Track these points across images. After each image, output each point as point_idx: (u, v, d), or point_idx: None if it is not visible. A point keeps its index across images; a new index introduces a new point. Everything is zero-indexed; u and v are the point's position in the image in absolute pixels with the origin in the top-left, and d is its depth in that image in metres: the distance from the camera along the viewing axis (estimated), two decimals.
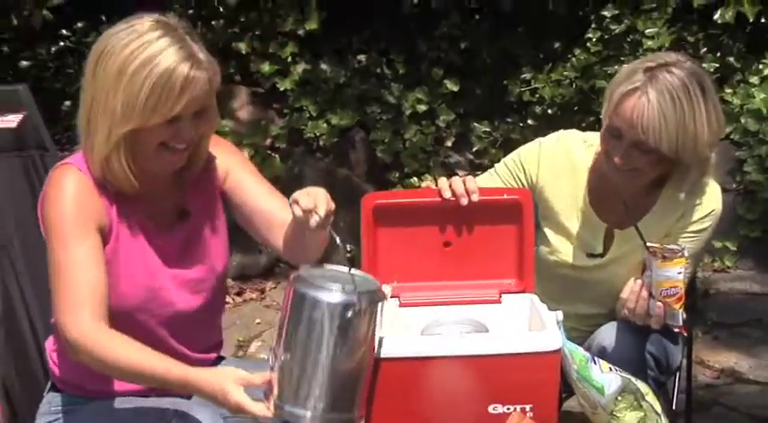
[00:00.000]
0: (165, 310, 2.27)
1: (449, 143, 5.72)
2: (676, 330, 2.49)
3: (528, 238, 2.39)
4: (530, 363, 2.08)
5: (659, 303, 2.36)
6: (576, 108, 5.66)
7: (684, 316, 2.41)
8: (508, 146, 5.56)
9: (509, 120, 5.75)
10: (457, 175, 5.51)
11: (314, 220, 1.99)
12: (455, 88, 5.76)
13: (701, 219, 2.62)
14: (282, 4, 5.69)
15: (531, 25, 5.93)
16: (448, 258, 2.37)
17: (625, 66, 2.65)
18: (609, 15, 5.67)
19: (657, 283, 2.35)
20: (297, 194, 2.04)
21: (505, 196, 2.40)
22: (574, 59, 5.70)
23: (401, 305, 2.40)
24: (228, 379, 1.94)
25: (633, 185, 2.55)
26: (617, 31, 5.66)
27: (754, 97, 5.26)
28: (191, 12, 5.80)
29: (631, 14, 5.67)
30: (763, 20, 5.47)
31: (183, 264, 2.30)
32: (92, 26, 5.64)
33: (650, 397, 2.23)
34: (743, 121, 5.25)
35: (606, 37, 5.68)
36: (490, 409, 2.09)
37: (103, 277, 2.08)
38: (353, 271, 2.03)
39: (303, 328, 1.93)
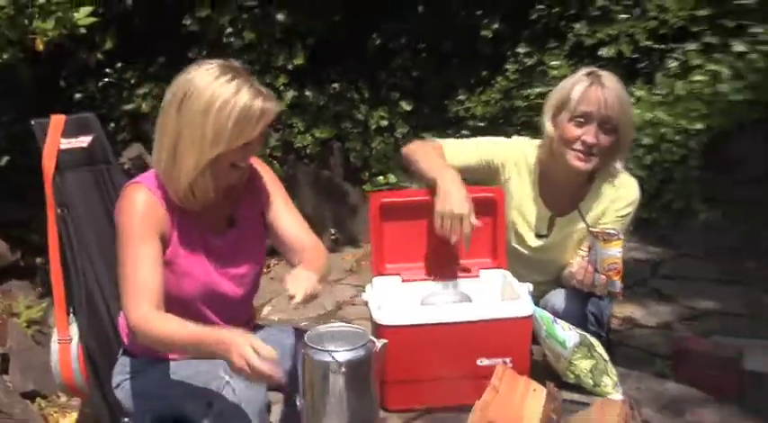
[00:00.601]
0: (217, 298, 2.31)
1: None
2: (616, 295, 2.58)
3: (500, 225, 2.56)
4: (508, 326, 2.26)
5: (603, 276, 2.46)
6: (500, 121, 6.05)
7: (621, 284, 2.49)
8: None
9: (449, 131, 6.01)
10: (410, 175, 5.99)
11: (292, 303, 2.04)
12: (408, 108, 6.25)
13: (626, 206, 2.75)
14: (275, 45, 5.96)
15: (465, 59, 6.33)
16: (439, 244, 2.51)
17: (562, 82, 2.77)
18: (522, 52, 6.12)
19: (602, 260, 2.44)
20: (288, 276, 2.11)
21: (483, 194, 2.54)
22: (497, 85, 6.14)
23: (403, 281, 2.57)
24: (243, 338, 1.95)
25: (587, 168, 2.65)
26: (529, 63, 6.09)
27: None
28: (204, 53, 5.98)
29: (539, 51, 6.08)
30: (635, 55, 5.89)
31: (231, 262, 2.33)
32: (129, 66, 5.91)
33: (600, 349, 2.42)
34: None
35: (521, 68, 6.12)
36: (478, 362, 2.27)
37: (160, 273, 2.13)
38: (348, 327, 2.13)
39: (313, 383, 2.03)
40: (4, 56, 3.64)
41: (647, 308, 4.51)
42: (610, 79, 2.67)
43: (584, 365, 2.43)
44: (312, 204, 5.72)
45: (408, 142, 2.86)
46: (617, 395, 2.42)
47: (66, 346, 2.54)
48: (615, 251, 2.46)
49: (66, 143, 2.59)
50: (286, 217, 2.43)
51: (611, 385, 2.45)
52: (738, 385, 3.31)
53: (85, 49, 5.63)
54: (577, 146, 2.65)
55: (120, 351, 2.44)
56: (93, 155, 2.66)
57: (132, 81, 6.01)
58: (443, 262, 2.63)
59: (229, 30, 5.96)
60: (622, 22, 6.02)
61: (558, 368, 2.46)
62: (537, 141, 2.86)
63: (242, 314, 2.45)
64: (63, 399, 3.57)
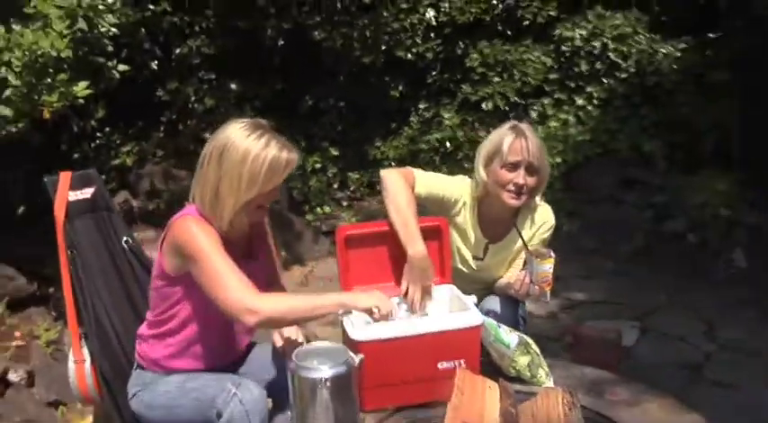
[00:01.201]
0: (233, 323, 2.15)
1: (335, 186, 6.03)
2: (545, 302, 2.52)
3: (446, 248, 2.40)
4: (463, 334, 2.10)
5: (537, 287, 2.30)
6: (406, 161, 5.88)
7: (549, 294, 2.34)
8: (371, 187, 6.04)
9: (369, 170, 6.01)
10: (342, 205, 6.15)
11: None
12: (336, 153, 6.07)
13: (547, 230, 2.62)
14: (230, 108, 5.71)
15: (378, 114, 6.22)
16: (397, 266, 2.35)
17: (492, 133, 2.58)
18: (422, 106, 6.13)
19: (536, 274, 2.27)
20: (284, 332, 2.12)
21: (431, 223, 2.39)
22: (404, 133, 6.09)
23: None
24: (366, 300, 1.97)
25: (519, 204, 2.49)
26: (427, 115, 6.08)
27: None
28: (174, 117, 5.83)
29: (435, 106, 6.10)
30: (507, 108, 5.96)
31: (256, 275, 2.06)
32: (115, 130, 5.65)
33: (534, 346, 2.24)
34: None
35: (421, 120, 6.09)
36: (438, 365, 2.09)
37: (241, 273, 1.93)
38: (330, 344, 1.92)
39: (302, 396, 1.84)
40: (19, 125, 3.46)
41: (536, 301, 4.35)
42: (528, 130, 2.51)
43: (522, 361, 2.25)
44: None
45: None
46: (550, 383, 2.25)
47: (80, 365, 2.32)
48: (547, 267, 2.28)
49: (74, 195, 2.40)
50: (271, 255, 2.34)
51: (544, 376, 2.26)
52: (619, 359, 3.31)
53: (81, 118, 5.25)
54: (510, 187, 2.50)
55: (135, 365, 2.22)
56: (95, 204, 2.46)
57: (118, 141, 5.77)
58: (399, 282, 2.40)
59: (193, 98, 5.79)
60: (496, 83, 6.14)
61: (501, 365, 2.27)
62: (472, 182, 2.66)
63: (245, 340, 2.28)
64: (80, 405, 3.30)
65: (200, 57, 5.72)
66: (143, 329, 2.20)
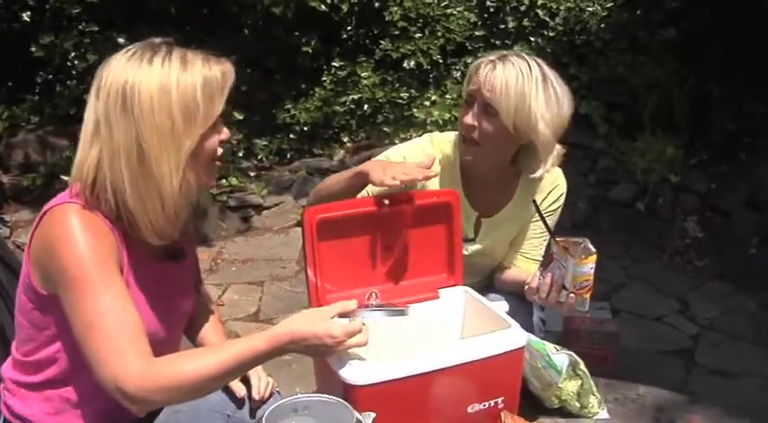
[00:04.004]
0: (179, 318, 1.56)
1: (240, 154, 5.25)
2: (583, 314, 1.98)
3: (457, 234, 1.70)
4: (501, 362, 1.45)
5: (572, 295, 1.65)
6: (320, 125, 5.32)
7: (589, 302, 1.70)
8: (280, 153, 5.36)
9: (278, 135, 5.34)
10: (249, 176, 5.38)
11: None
12: (241, 117, 5.19)
13: (558, 197, 2.00)
14: None
15: (287, 73, 5.52)
16: (388, 262, 1.67)
17: None
18: (337, 65, 5.41)
19: (573, 278, 1.63)
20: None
21: (436, 199, 1.70)
22: (317, 94, 5.38)
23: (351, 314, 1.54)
24: (321, 315, 1.33)
25: (481, 159, 1.86)
26: (342, 74, 5.40)
27: (432, 114, 5.11)
28: (50, 77, 5.04)
29: (351, 63, 5.42)
30: (428, 67, 5.39)
31: (178, 293, 1.53)
32: None
33: (582, 366, 1.64)
34: (428, 128, 4.99)
35: (336, 79, 5.40)
36: (469, 409, 1.45)
37: (135, 315, 1.30)
38: (320, 397, 1.29)
39: None
40: None
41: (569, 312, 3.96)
42: (511, 63, 1.78)
43: (570, 387, 1.60)
44: None
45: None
46: (604, 414, 1.63)
47: None
48: (588, 267, 1.62)
49: None
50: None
51: (596, 404, 1.63)
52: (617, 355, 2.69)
53: None
54: (463, 132, 1.86)
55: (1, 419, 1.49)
56: None
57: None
58: (393, 283, 1.68)
59: (73, 54, 4.90)
60: (417, 39, 5.48)
61: (543, 396, 1.62)
62: (450, 135, 1.99)
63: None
64: None
65: (79, 5, 4.84)
66: (10, 372, 1.48)
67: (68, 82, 4.98)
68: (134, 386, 1.22)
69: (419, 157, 1.83)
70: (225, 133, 1.42)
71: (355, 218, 1.62)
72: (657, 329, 3.45)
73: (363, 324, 1.34)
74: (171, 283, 1.49)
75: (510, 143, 1.84)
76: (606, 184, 4.76)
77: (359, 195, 1.80)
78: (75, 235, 1.29)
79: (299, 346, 1.29)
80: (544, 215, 1.92)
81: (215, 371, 1.26)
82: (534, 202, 1.89)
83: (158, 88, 1.30)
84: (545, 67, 1.82)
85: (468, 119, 1.81)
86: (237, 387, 1.57)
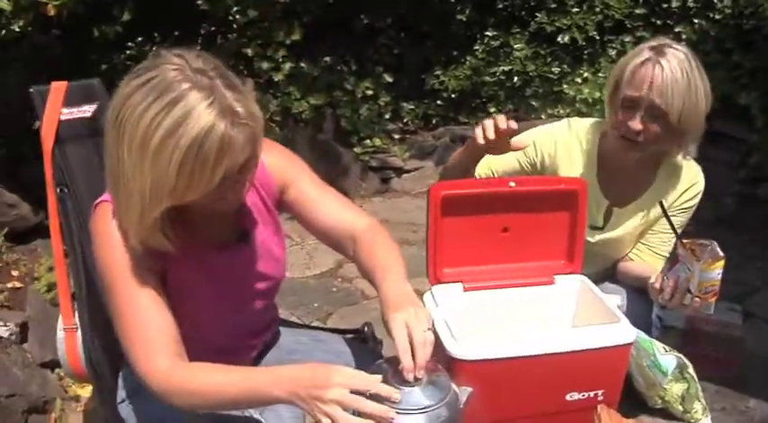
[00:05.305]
0: (241, 322, 1.52)
1: (387, 116, 5.40)
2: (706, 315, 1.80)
3: (581, 223, 1.64)
4: (606, 355, 1.44)
5: (697, 299, 1.59)
6: (468, 94, 5.35)
7: (714, 306, 1.64)
8: (426, 118, 5.46)
9: (426, 101, 5.42)
10: (393, 138, 5.50)
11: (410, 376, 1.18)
12: (390, 80, 5.42)
13: (695, 196, 1.93)
14: (276, 22, 5.16)
15: (439, 40, 5.54)
16: (506, 243, 1.63)
17: (628, 54, 1.85)
18: (490, 35, 5.38)
19: (699, 283, 1.57)
20: (394, 330, 1.21)
21: (563, 186, 1.64)
22: (467, 63, 5.39)
23: (465, 290, 1.63)
24: (333, 366, 1.17)
25: (639, 155, 1.83)
26: (495, 44, 5.37)
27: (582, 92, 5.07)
28: (213, 29, 5.30)
29: (504, 34, 5.38)
30: (583, 43, 5.26)
31: (247, 280, 1.48)
32: (148, 40, 5.06)
33: (691, 370, 1.59)
34: (577, 106, 5.01)
35: (487, 49, 5.39)
36: (567, 397, 1.44)
37: (169, 317, 1.28)
38: (427, 376, 1.20)
39: None
40: (20, 23, 2.77)
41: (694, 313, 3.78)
42: (674, 55, 1.73)
43: (675, 390, 1.57)
44: (309, 165, 4.68)
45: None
46: (707, 420, 1.59)
47: (72, 333, 1.73)
48: (716, 273, 1.56)
49: (68, 113, 1.73)
50: (320, 203, 1.49)
51: (701, 411, 1.59)
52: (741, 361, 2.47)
53: (102, 22, 4.60)
54: (623, 131, 1.79)
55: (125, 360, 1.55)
56: (97, 125, 1.77)
57: (151, 53, 4.97)
58: (510, 263, 1.67)
59: (235, 8, 5.08)
60: (574, 14, 5.33)
61: (646, 394, 1.60)
62: (590, 121, 1.97)
63: (265, 318, 1.62)
64: None
65: None
66: None
67: (229, 35, 5.21)
68: (157, 385, 1.23)
69: (548, 139, 1.88)
70: (227, 199, 1.26)
71: (480, 196, 1.62)
72: None
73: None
74: (235, 269, 1.43)
75: (672, 137, 1.80)
76: (757, 181, 4.49)
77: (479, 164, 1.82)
78: (111, 237, 1.27)
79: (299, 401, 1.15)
80: (677, 212, 1.91)
81: (222, 391, 1.22)
82: (661, 203, 1.85)
83: (139, 143, 1.14)
84: (695, 55, 1.77)
85: (636, 125, 1.76)
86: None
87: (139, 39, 5.03)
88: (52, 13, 2.80)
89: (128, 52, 5.03)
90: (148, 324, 1.26)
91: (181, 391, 1.23)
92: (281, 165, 1.48)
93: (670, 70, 1.71)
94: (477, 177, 1.79)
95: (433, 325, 1.32)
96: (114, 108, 1.18)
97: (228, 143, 1.14)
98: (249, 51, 5.20)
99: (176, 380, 1.23)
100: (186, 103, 1.12)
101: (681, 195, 1.92)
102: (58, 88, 1.69)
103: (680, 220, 1.93)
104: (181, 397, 1.23)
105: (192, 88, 1.13)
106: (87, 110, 1.79)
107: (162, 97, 1.13)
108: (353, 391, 1.11)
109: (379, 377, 1.16)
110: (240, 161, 1.18)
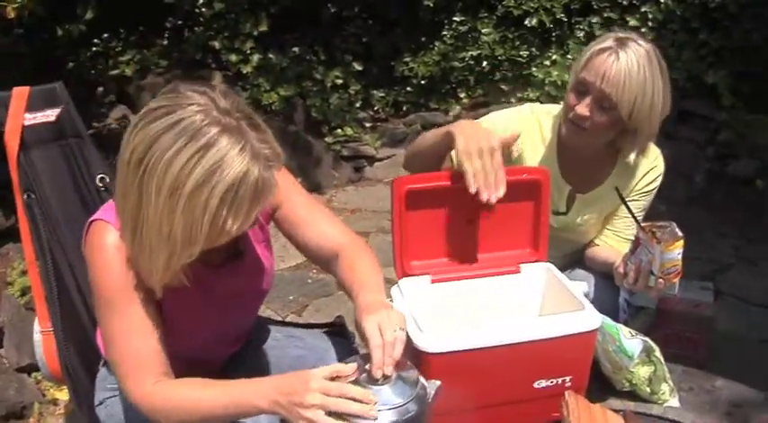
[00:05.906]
0: (228, 332, 1.55)
1: (357, 105, 5.38)
2: (672, 296, 1.92)
3: (545, 212, 1.65)
4: (572, 342, 1.45)
5: (660, 280, 1.61)
6: (437, 80, 5.35)
7: (678, 286, 1.66)
8: (396, 106, 5.45)
9: (396, 88, 5.43)
10: (364, 127, 5.49)
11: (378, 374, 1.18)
12: (360, 68, 5.41)
13: (654, 178, 1.92)
14: (242, 14, 5.14)
15: (407, 26, 5.54)
16: (471, 234, 1.65)
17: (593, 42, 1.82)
18: (458, 20, 5.38)
19: (661, 264, 1.59)
20: (368, 332, 1.22)
21: (525, 176, 1.64)
22: (436, 49, 5.38)
23: (432, 282, 1.65)
24: (309, 372, 1.17)
25: (584, 142, 1.82)
26: (463, 29, 5.37)
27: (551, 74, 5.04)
28: (179, 23, 5.29)
29: (472, 18, 5.38)
30: (551, 25, 5.26)
31: (239, 295, 1.48)
32: (113, 36, 5.10)
33: (658, 353, 1.61)
34: (546, 89, 5.00)
35: (456, 34, 5.39)
36: (536, 384, 1.47)
37: (160, 339, 1.29)
38: (396, 373, 1.20)
39: None
40: None
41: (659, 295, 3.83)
42: (634, 53, 1.70)
43: (642, 372, 1.59)
44: None
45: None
46: (675, 402, 1.61)
47: (49, 335, 1.73)
48: (676, 253, 1.57)
49: (32, 118, 1.73)
50: (308, 223, 1.50)
51: (668, 392, 1.62)
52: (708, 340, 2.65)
53: (68, 22, 4.57)
54: (572, 115, 1.78)
55: (101, 361, 1.61)
56: (61, 129, 1.79)
57: (117, 49, 5.10)
58: (475, 254, 1.68)
59: (201, 1, 5.08)
60: None
61: (613, 378, 1.62)
62: (551, 106, 1.96)
63: (250, 323, 1.66)
64: None
65: None
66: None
67: (196, 28, 5.18)
68: (142, 402, 1.26)
69: (515, 126, 1.85)
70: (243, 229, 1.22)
71: (443, 190, 1.62)
72: (763, 316, 3.28)
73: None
74: (230, 285, 1.44)
75: (617, 130, 1.79)
76: (725, 159, 4.55)
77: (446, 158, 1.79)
78: (107, 257, 1.26)
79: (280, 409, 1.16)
80: (638, 196, 1.91)
81: (204, 406, 1.23)
82: (617, 189, 1.82)
83: (170, 189, 1.11)
84: (659, 54, 1.74)
85: (582, 109, 1.74)
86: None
87: (105, 35, 5.01)
88: (12, 15, 2.75)
89: (93, 49, 5.01)
90: (140, 348, 1.26)
91: (165, 408, 1.24)
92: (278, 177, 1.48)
93: (626, 63, 1.68)
94: (452, 164, 1.78)
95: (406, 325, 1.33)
96: (136, 149, 1.13)
97: (262, 187, 1.15)
98: (216, 44, 5.18)
99: (160, 397, 1.24)
100: (219, 149, 1.10)
101: (641, 179, 1.92)
102: (20, 94, 1.68)
103: (641, 203, 1.93)
104: (165, 414, 1.24)
105: (222, 132, 1.11)
106: (51, 114, 1.76)
107: (192, 143, 1.10)
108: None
109: (353, 387, 1.15)
110: (271, 201, 1.20)
